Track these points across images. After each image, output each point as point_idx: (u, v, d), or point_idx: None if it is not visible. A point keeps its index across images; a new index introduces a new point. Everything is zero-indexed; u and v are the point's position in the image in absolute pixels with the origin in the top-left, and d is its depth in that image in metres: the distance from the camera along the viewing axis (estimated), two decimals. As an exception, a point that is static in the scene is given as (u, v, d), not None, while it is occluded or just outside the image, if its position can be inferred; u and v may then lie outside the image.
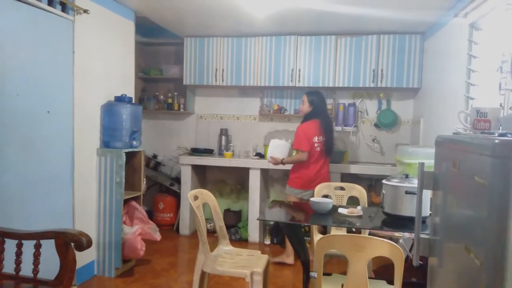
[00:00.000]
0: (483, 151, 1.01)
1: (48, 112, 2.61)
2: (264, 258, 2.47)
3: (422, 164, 1.46)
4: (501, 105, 2.06)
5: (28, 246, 1.91)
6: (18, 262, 1.90)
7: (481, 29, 2.68)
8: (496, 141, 0.95)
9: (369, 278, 1.79)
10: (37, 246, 1.89)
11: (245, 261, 2.44)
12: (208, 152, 4.49)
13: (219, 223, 2.62)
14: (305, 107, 3.50)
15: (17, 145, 2.43)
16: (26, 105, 2.46)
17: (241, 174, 4.42)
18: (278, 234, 4.11)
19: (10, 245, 1.92)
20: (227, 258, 2.48)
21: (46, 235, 1.87)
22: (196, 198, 2.46)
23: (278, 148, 3.55)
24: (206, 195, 2.59)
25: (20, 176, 2.45)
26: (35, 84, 2.52)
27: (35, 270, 1.88)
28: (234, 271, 2.29)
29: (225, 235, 2.65)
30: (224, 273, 2.32)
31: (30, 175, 2.52)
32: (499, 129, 1.47)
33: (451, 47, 3.12)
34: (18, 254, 1.90)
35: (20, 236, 1.91)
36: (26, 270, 1.92)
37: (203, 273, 2.37)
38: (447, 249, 1.33)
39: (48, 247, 1.89)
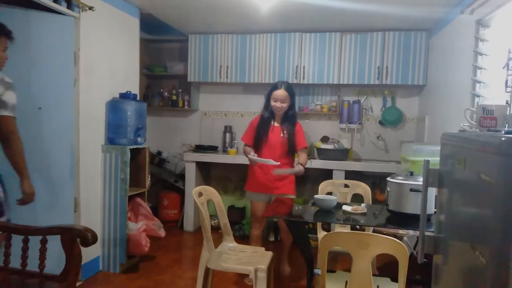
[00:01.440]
0: (489, 148, 1.00)
1: (40, 108, 2.61)
2: (268, 255, 2.48)
3: (428, 161, 1.46)
4: (507, 103, 2.04)
5: (34, 242, 1.93)
6: (24, 257, 1.92)
7: (487, 26, 2.66)
8: (503, 138, 0.94)
9: (373, 275, 1.79)
10: (43, 242, 1.90)
11: (249, 258, 2.45)
12: (213, 149, 4.49)
13: (223, 220, 2.62)
14: (286, 104, 2.96)
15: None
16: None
17: (245, 171, 4.41)
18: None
19: (16, 241, 1.94)
20: (231, 255, 2.49)
21: (52, 230, 1.88)
22: (200, 194, 2.47)
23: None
24: (211, 192, 2.60)
25: (11, 173, 2.45)
26: (25, 81, 2.52)
27: (41, 265, 1.89)
28: (238, 267, 2.30)
29: (229, 231, 2.66)
30: (229, 270, 2.32)
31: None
32: (505, 126, 1.46)
33: (457, 44, 3.10)
34: (25, 249, 1.92)
35: (27, 232, 1.93)
36: (33, 265, 1.93)
37: (207, 270, 2.38)
38: (452, 247, 1.33)
39: (54, 242, 1.91)
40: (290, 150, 3.01)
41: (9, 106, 2.04)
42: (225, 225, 2.63)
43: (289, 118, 3.03)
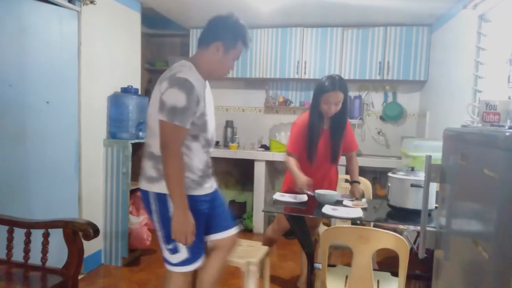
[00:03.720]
0: (493, 143, 1.00)
1: (48, 103, 2.61)
2: (263, 249, 2.48)
3: (430, 157, 1.46)
4: (509, 98, 2.04)
5: (37, 235, 1.94)
6: (26, 250, 1.93)
7: (490, 21, 2.65)
8: (507, 133, 0.94)
9: (373, 270, 1.80)
10: (46, 235, 1.92)
11: (244, 252, 2.45)
12: (213, 143, 4.49)
13: None
14: (340, 105, 2.48)
15: (11, 135, 2.44)
16: (20, 96, 2.46)
17: (246, 166, 4.42)
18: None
19: (18, 234, 1.95)
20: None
21: (54, 224, 1.89)
22: None
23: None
24: None
25: (17, 167, 2.46)
26: (33, 75, 2.52)
27: (44, 259, 1.91)
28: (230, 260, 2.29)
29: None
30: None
31: (29, 165, 2.52)
32: (508, 121, 1.46)
33: (459, 39, 3.09)
34: (27, 242, 1.93)
35: (29, 225, 1.94)
36: (35, 258, 1.94)
37: None
38: (454, 242, 1.33)
39: (57, 236, 1.91)
40: (338, 156, 2.65)
41: (165, 108, 1.59)
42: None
43: (339, 118, 2.54)
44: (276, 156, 4.06)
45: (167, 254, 1.76)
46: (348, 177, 2.85)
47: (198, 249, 1.79)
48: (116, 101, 3.14)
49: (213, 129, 1.86)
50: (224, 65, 1.82)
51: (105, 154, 3.12)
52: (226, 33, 1.77)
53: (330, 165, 2.68)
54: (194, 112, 1.66)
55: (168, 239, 1.71)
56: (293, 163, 2.52)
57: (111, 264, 3.16)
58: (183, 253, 1.73)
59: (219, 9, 3.66)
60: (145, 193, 1.74)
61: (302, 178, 2.41)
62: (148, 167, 1.72)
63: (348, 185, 3.04)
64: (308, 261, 2.38)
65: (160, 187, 1.67)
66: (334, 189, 2.72)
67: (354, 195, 2.57)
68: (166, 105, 1.59)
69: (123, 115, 3.11)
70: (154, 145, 1.70)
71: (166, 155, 1.60)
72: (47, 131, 2.62)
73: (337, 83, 2.41)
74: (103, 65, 3.08)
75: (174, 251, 1.73)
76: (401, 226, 2.51)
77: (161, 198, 1.69)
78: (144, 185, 1.74)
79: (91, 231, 1.82)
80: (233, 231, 1.98)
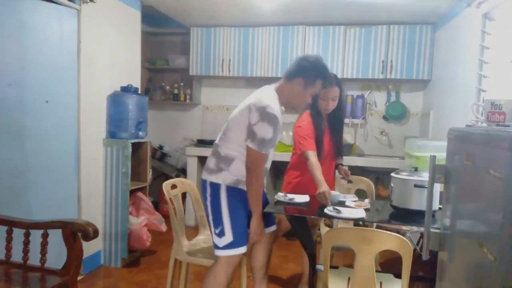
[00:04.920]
0: (499, 144, 0.98)
1: (47, 101, 2.59)
2: None
3: (434, 157, 1.43)
4: (514, 97, 2.01)
5: (36, 236, 1.92)
6: (25, 251, 1.92)
7: (494, 19, 2.62)
8: (514, 133, 0.92)
9: (376, 271, 1.77)
10: (45, 236, 1.90)
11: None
12: (214, 143, 4.47)
13: (200, 213, 2.60)
14: (336, 102, 2.52)
15: (10, 134, 2.42)
16: (20, 95, 2.44)
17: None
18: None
19: (17, 234, 1.93)
20: (204, 247, 2.43)
21: (53, 224, 1.87)
22: (175, 187, 2.45)
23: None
24: (187, 184, 2.57)
25: (15, 166, 2.45)
26: (32, 74, 2.50)
27: (43, 259, 1.89)
28: (200, 260, 2.25)
29: (205, 224, 2.60)
30: (195, 262, 2.28)
31: (28, 164, 2.50)
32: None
33: (462, 38, 3.06)
34: (26, 243, 1.91)
35: (28, 225, 1.92)
36: (34, 259, 1.93)
37: (180, 262, 2.37)
38: (459, 243, 1.31)
39: (56, 236, 1.90)
40: (337, 155, 2.68)
41: (256, 139, 1.88)
42: (201, 217, 2.61)
43: (338, 115, 2.58)
44: (278, 156, 4.03)
45: (216, 239, 2.02)
46: (349, 177, 2.82)
47: (242, 234, 2.02)
48: (115, 100, 3.12)
49: None
50: (302, 98, 2.07)
51: (104, 153, 3.10)
52: (309, 71, 2.00)
53: (332, 162, 2.70)
54: (276, 139, 2.01)
55: (216, 222, 2.00)
56: (317, 166, 2.37)
57: (111, 265, 3.14)
58: (228, 237, 1.99)
59: (219, 7, 3.66)
60: (204, 182, 2.05)
61: (326, 188, 2.26)
62: (211, 163, 2.04)
63: (349, 186, 3.02)
64: (310, 263, 2.35)
65: (216, 178, 2.00)
66: (333, 187, 2.72)
67: (348, 175, 2.69)
68: (257, 137, 1.88)
69: (123, 115, 3.09)
70: (223, 146, 2.02)
71: (252, 175, 1.94)
72: (46, 130, 2.61)
73: (333, 79, 2.46)
74: (102, 63, 3.06)
75: (221, 234, 1.99)
76: (404, 227, 2.49)
77: (215, 187, 2.00)
78: (205, 175, 2.06)
79: (91, 231, 1.80)
80: (272, 228, 2.32)
